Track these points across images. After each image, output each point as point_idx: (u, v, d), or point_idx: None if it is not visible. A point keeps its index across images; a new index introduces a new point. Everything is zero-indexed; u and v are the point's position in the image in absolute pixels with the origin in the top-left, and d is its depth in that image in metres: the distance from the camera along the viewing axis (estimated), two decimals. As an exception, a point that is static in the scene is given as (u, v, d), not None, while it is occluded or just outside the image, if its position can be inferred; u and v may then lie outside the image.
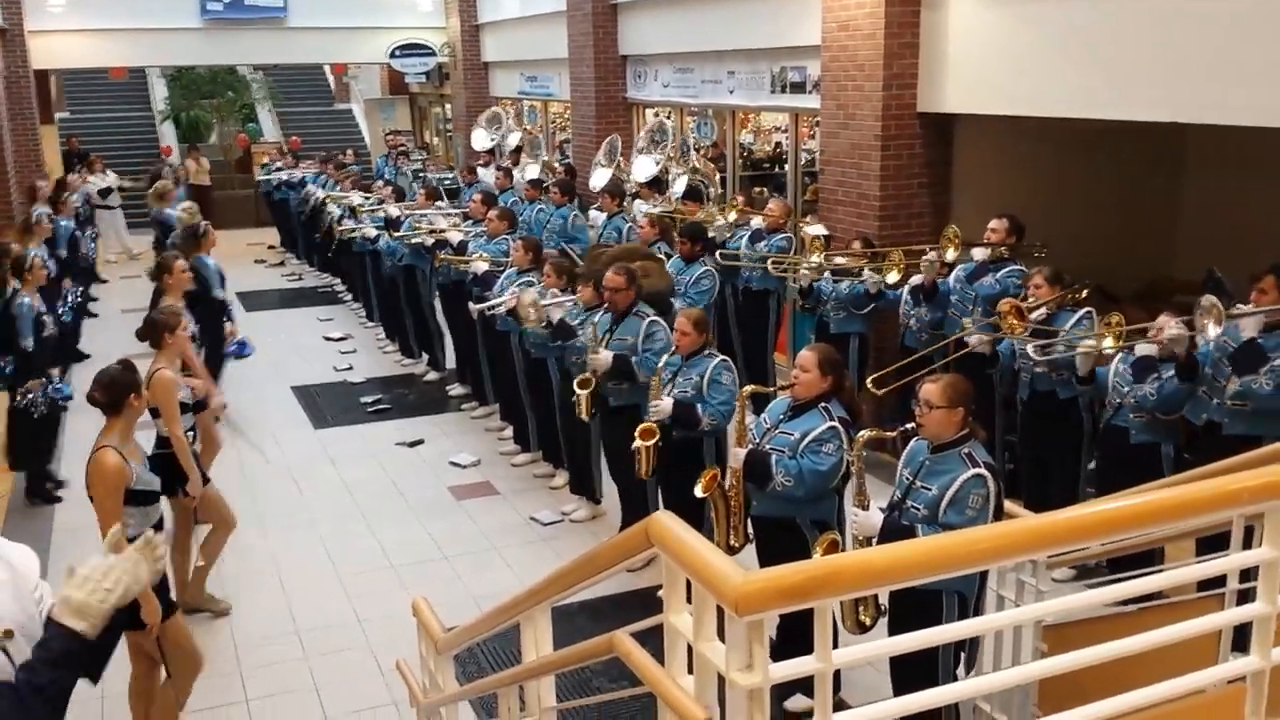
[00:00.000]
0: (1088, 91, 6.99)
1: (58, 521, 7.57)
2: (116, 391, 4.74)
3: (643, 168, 11.31)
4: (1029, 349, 6.46)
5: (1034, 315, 6.50)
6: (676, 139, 11.36)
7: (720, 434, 6.13)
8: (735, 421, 5.32)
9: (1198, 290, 7.48)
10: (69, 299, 10.33)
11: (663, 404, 6.06)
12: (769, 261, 8.67)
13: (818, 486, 4.94)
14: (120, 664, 5.31)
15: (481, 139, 15.36)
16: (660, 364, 6.22)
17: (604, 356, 6.67)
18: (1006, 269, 7.29)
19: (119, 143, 23.53)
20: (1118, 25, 6.77)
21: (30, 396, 7.74)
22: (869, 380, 7.29)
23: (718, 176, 11.59)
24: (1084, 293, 6.72)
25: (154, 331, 6.11)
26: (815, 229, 8.70)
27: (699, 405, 6.00)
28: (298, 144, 22.32)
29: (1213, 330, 5.46)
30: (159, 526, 5.03)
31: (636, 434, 6.09)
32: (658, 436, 6.06)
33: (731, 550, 5.29)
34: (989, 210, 7.59)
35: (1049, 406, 6.65)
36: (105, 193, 17.95)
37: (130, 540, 2.47)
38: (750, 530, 5.40)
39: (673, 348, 6.32)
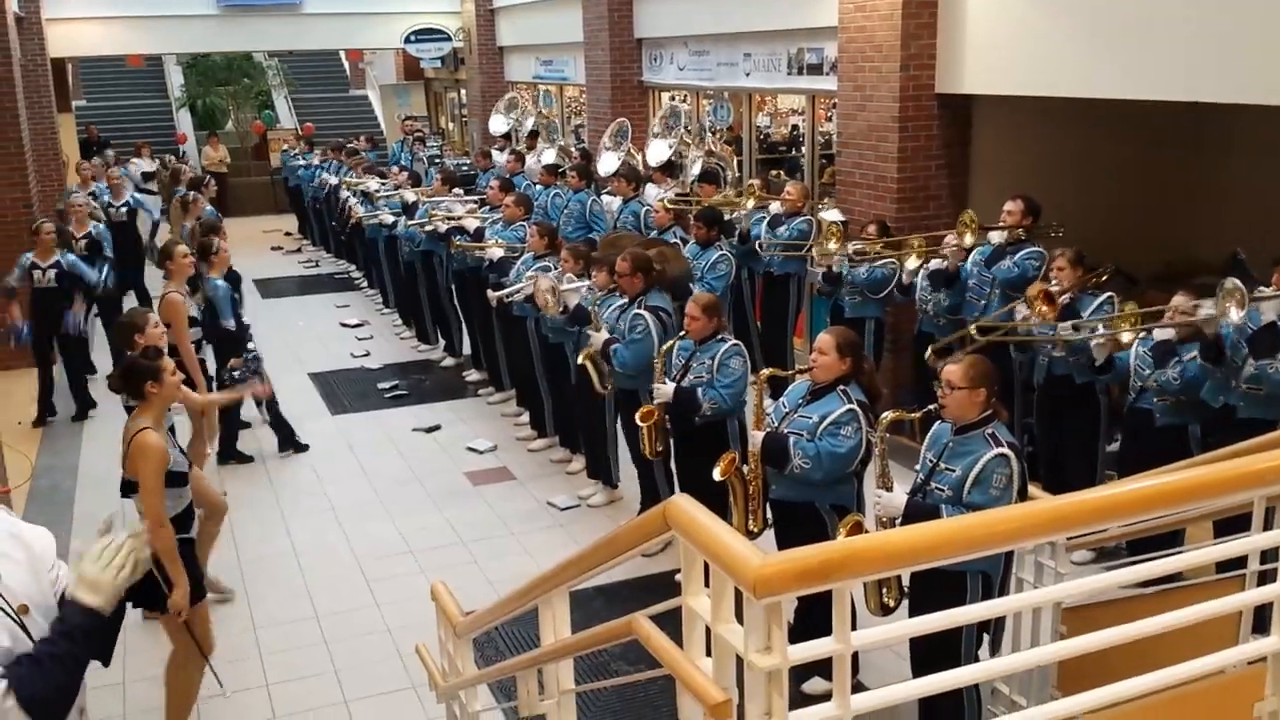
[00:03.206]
0: (1106, 71, 6.94)
1: (78, 509, 7.62)
2: (134, 379, 4.80)
3: (656, 152, 11.30)
4: (1059, 333, 6.43)
5: (1062, 300, 6.46)
6: (693, 122, 11.32)
7: (742, 417, 6.13)
8: (753, 405, 5.31)
9: (1219, 271, 7.43)
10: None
11: (664, 388, 6.15)
12: (805, 250, 8.67)
13: (836, 469, 4.93)
14: (141, 653, 5.36)
15: (499, 124, 15.33)
16: (665, 347, 6.32)
17: (597, 338, 6.93)
18: (1024, 251, 7.21)
19: (136, 130, 23.61)
20: (1135, 4, 6.72)
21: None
22: (931, 349, 7.11)
23: (735, 160, 11.56)
24: (1105, 277, 6.65)
25: (125, 335, 6.09)
26: (832, 214, 8.66)
27: (700, 390, 6.02)
28: (310, 130, 22.36)
29: (1235, 314, 5.41)
30: (191, 510, 5.06)
31: (637, 416, 6.28)
32: (657, 417, 6.22)
33: (750, 535, 5.29)
34: (1007, 191, 7.54)
35: (1065, 390, 6.62)
36: (148, 177, 18.07)
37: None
38: (769, 515, 5.40)
39: (654, 338, 6.53)
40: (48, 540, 2.59)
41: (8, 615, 2.32)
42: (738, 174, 11.41)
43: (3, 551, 2.41)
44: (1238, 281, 5.43)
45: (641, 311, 6.77)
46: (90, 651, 2.40)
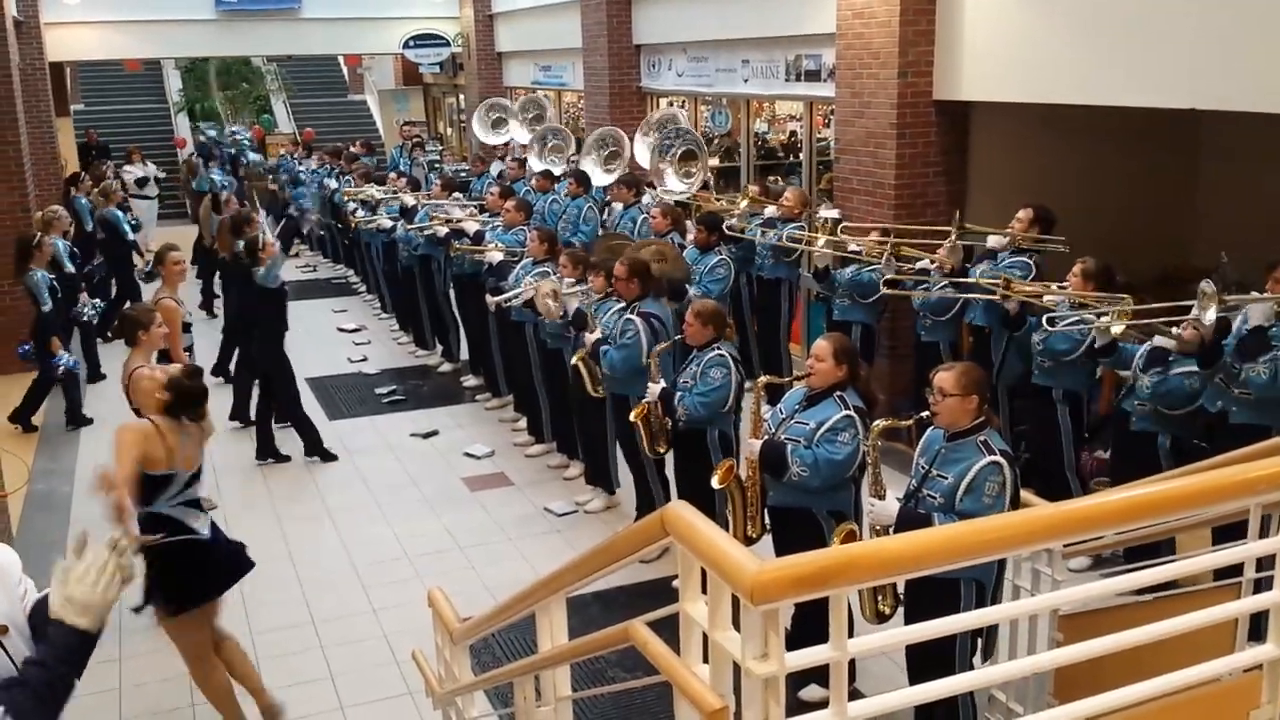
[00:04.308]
0: (1104, 78, 6.95)
1: (75, 513, 7.61)
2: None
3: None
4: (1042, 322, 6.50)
5: (1047, 299, 6.49)
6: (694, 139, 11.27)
7: (725, 427, 6.20)
8: (750, 412, 5.31)
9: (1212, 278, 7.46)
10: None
11: (652, 388, 6.27)
12: (778, 244, 8.71)
13: (833, 476, 4.93)
14: (136, 659, 5.36)
15: (488, 137, 15.19)
16: (658, 349, 6.42)
17: (589, 338, 6.98)
18: (1011, 259, 7.25)
19: (134, 135, 23.62)
20: (1134, 11, 6.73)
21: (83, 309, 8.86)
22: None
23: (712, 173, 11.52)
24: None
25: (128, 329, 6.11)
26: (830, 212, 8.69)
27: (678, 395, 6.09)
28: (311, 135, 22.34)
29: (1208, 316, 5.45)
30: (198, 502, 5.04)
31: (631, 414, 6.43)
32: (645, 412, 6.35)
33: (749, 541, 5.30)
34: (1004, 198, 7.56)
35: (1025, 389, 6.73)
36: (142, 182, 18.05)
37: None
38: (767, 521, 5.40)
39: (644, 343, 6.59)
40: (12, 558, 2.57)
41: None
42: (711, 178, 11.40)
43: None
44: (1209, 283, 5.48)
45: (633, 317, 6.75)
46: (79, 671, 2.35)
